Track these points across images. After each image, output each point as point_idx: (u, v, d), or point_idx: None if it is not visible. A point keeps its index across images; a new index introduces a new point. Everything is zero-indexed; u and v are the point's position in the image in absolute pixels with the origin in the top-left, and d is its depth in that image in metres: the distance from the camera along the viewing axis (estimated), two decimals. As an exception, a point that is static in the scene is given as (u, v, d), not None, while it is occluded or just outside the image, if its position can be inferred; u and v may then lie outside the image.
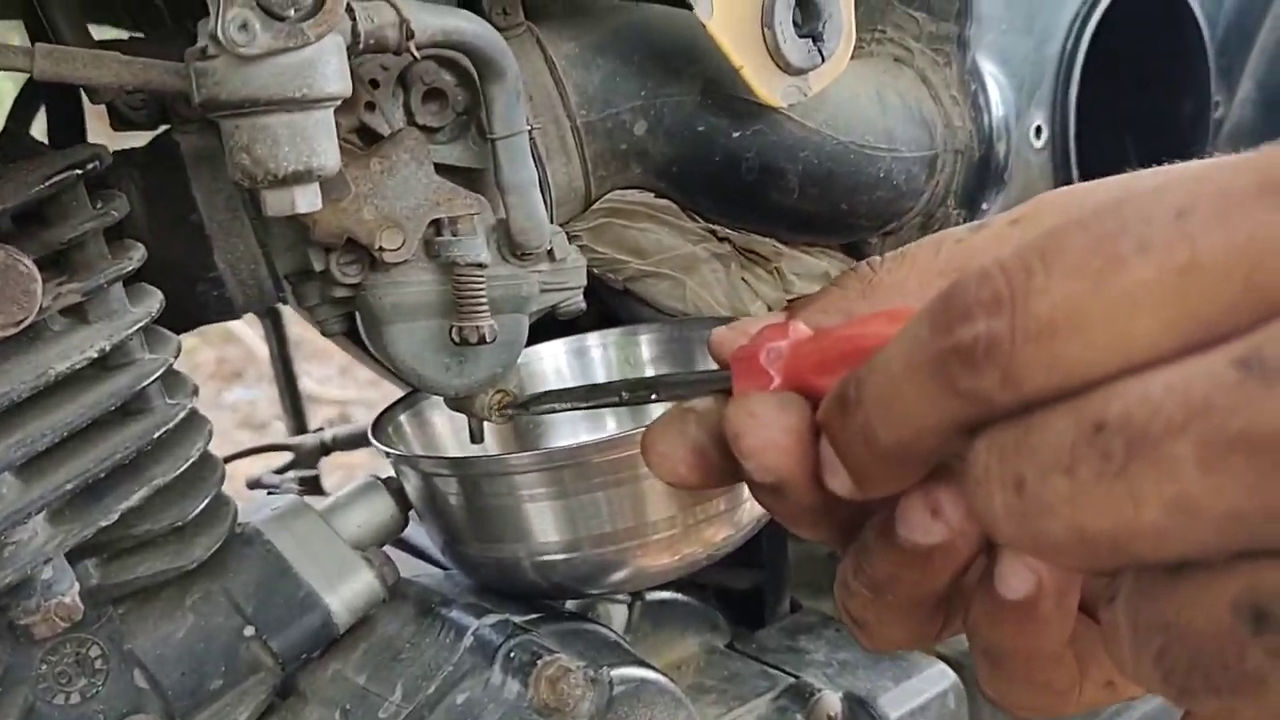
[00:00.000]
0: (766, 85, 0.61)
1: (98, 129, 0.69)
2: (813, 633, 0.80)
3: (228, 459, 1.20)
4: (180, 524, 0.54)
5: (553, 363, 0.77)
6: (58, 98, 0.66)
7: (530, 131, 0.60)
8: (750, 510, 0.61)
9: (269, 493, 0.78)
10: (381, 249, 0.58)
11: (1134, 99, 0.86)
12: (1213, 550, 0.22)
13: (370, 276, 0.61)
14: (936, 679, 0.75)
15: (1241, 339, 0.22)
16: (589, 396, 0.57)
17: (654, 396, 0.47)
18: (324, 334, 0.69)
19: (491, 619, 0.59)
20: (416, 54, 0.51)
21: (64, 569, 0.51)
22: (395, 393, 0.79)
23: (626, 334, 0.76)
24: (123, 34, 0.74)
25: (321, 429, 0.99)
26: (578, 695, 0.55)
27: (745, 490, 0.59)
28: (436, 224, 0.59)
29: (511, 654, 0.56)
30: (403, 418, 0.70)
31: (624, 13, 0.67)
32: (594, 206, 0.69)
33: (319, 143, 0.46)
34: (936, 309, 0.26)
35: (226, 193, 0.61)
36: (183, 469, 0.54)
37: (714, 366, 0.40)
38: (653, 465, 0.38)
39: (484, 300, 0.60)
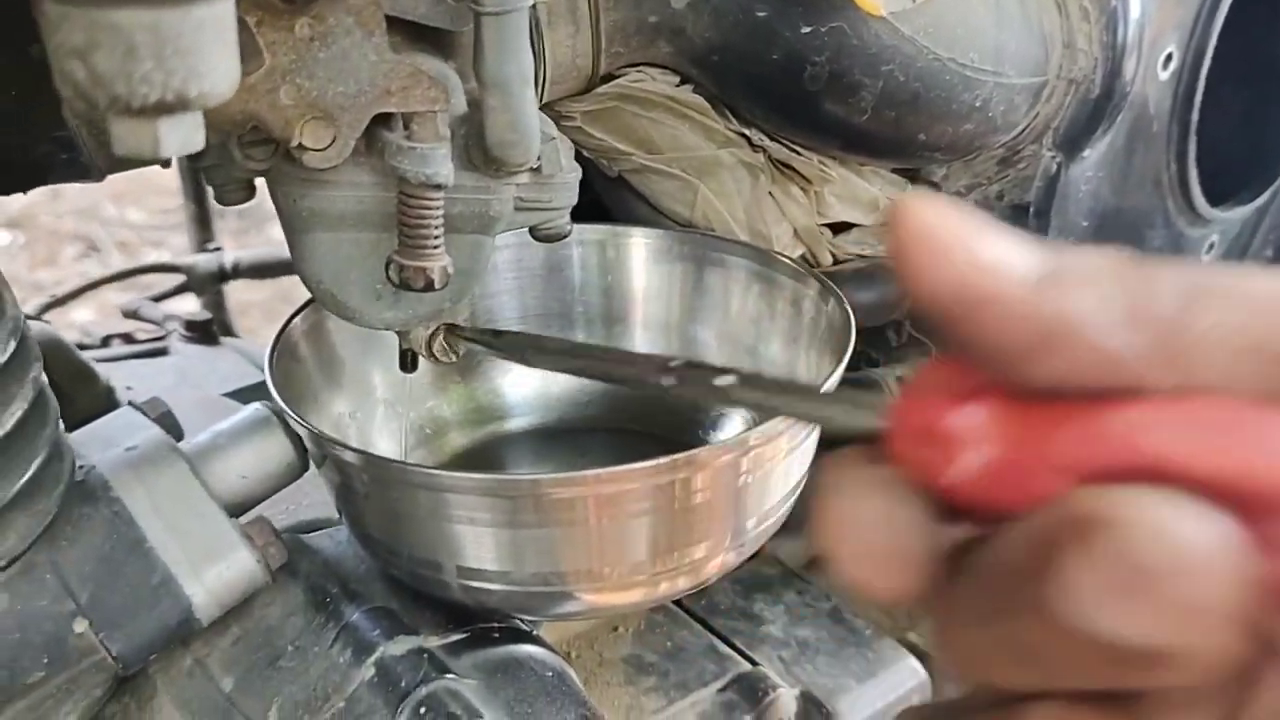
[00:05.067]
0: (870, -16, 0.44)
1: None
2: (770, 592, 0.70)
3: (106, 280, 1.03)
4: (-14, 512, 0.40)
5: (510, 254, 0.61)
6: None
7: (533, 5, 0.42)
8: (722, 563, 0.48)
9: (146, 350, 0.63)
10: (302, 146, 0.41)
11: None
12: None
13: (284, 166, 0.44)
14: (904, 677, 0.66)
15: None
16: (573, 354, 0.43)
17: (675, 385, 0.29)
18: (219, 202, 0.52)
19: (403, 645, 0.46)
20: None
21: None
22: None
23: (612, 234, 0.60)
24: None
25: (220, 249, 0.81)
26: (501, 774, 0.43)
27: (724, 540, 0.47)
28: (385, 117, 0.42)
29: (424, 709, 0.43)
30: (301, 337, 0.54)
31: None
32: (599, 89, 0.52)
33: (206, 55, 0.29)
34: None
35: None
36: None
37: None
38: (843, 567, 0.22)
39: (437, 233, 0.44)
